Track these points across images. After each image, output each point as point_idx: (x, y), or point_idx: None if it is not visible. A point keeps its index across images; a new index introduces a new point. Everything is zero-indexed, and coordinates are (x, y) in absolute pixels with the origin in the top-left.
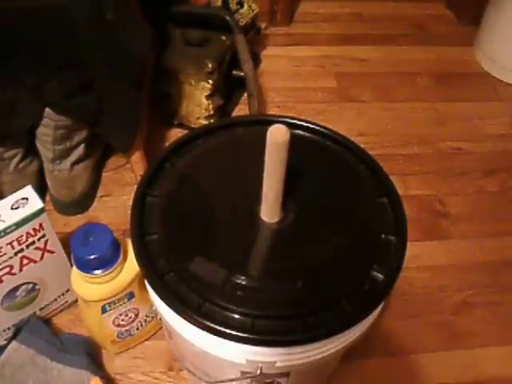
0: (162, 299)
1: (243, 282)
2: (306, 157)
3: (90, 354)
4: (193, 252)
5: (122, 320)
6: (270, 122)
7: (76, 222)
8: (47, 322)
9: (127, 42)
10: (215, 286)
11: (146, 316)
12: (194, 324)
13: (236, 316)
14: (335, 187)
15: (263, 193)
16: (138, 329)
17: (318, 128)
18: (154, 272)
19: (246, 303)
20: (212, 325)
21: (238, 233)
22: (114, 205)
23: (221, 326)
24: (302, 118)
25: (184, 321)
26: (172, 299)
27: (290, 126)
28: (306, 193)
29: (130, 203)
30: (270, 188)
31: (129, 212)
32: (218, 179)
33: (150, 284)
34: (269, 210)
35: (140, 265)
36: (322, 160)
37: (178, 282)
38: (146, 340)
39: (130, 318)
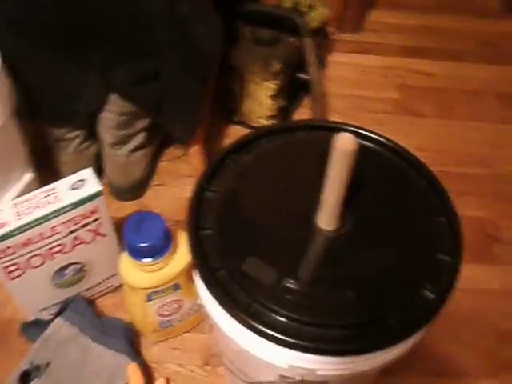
0: (211, 294)
1: (293, 287)
2: (366, 167)
3: (130, 340)
4: (246, 251)
5: (166, 310)
6: (335, 129)
7: (128, 207)
8: (91, 303)
9: (198, 36)
10: (265, 287)
11: (190, 309)
12: (240, 322)
13: (282, 319)
14: (393, 201)
15: (322, 200)
16: (179, 320)
17: (381, 139)
18: (207, 267)
19: (294, 308)
20: (258, 325)
21: (292, 236)
22: (167, 195)
23: (266, 327)
24: (365, 127)
25: (230, 318)
26: (221, 295)
27: (355, 134)
28: (364, 203)
29: (183, 195)
30: (330, 196)
31: (180, 203)
32: (277, 181)
33: (201, 278)
34: (326, 218)
35: (194, 258)
36: (382, 172)
37: (228, 279)
38: (186, 332)
39: (174, 308)
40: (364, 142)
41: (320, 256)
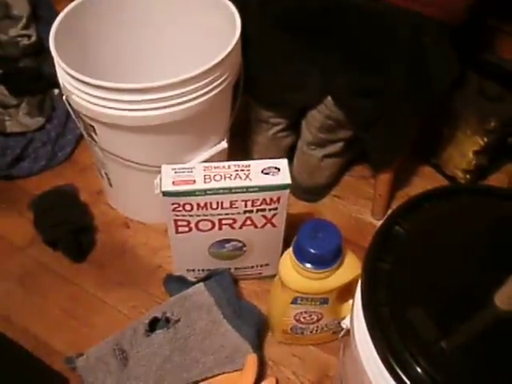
0: (367, 326)
1: (448, 350)
2: None
3: (258, 331)
4: (414, 299)
5: (304, 318)
6: None
7: (301, 207)
8: (235, 282)
9: (433, 71)
10: (421, 339)
11: (326, 325)
12: (385, 365)
13: (425, 376)
14: None
15: (511, 280)
16: (311, 332)
17: None
18: (374, 299)
19: (441, 370)
20: (399, 371)
21: (463, 302)
22: (342, 209)
23: (406, 376)
24: None
25: (374, 354)
26: (376, 331)
27: None
28: None
29: (356, 214)
30: None
31: (352, 222)
32: (461, 241)
33: (363, 307)
34: (507, 299)
35: (364, 286)
36: None
37: (389, 318)
38: (311, 344)
39: (312, 319)
40: None
41: (486, 331)
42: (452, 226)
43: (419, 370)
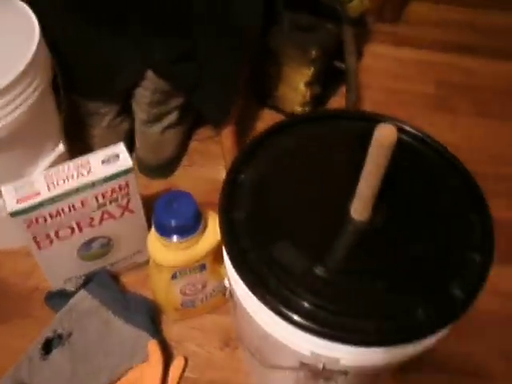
0: (240, 276)
1: (323, 274)
2: (401, 161)
3: (152, 317)
4: (277, 236)
5: (189, 289)
6: (373, 120)
7: (157, 185)
8: (116, 278)
9: (238, 15)
10: (294, 273)
11: (213, 290)
12: (267, 306)
13: (310, 306)
14: (427, 196)
15: (358, 190)
16: (202, 301)
17: (418, 134)
18: (237, 249)
19: (323, 295)
20: (285, 310)
21: (325, 225)
22: (196, 175)
23: (293, 313)
24: (404, 120)
25: (257, 302)
26: (250, 278)
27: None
28: (397, 197)
29: (212, 176)
30: (366, 186)
31: (210, 184)
32: (311, 169)
33: (231, 259)
34: (359, 208)
35: (224, 239)
36: (417, 167)
37: (258, 262)
38: (206, 313)
39: (197, 288)
40: (400, 136)
41: (351, 246)
42: (296, 158)
43: (306, 304)
